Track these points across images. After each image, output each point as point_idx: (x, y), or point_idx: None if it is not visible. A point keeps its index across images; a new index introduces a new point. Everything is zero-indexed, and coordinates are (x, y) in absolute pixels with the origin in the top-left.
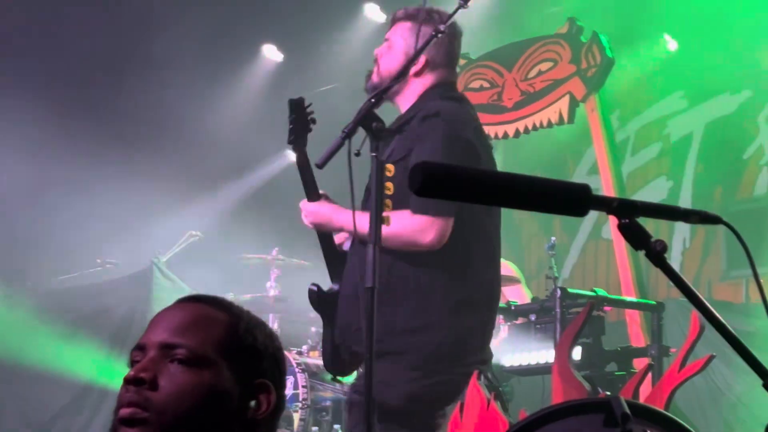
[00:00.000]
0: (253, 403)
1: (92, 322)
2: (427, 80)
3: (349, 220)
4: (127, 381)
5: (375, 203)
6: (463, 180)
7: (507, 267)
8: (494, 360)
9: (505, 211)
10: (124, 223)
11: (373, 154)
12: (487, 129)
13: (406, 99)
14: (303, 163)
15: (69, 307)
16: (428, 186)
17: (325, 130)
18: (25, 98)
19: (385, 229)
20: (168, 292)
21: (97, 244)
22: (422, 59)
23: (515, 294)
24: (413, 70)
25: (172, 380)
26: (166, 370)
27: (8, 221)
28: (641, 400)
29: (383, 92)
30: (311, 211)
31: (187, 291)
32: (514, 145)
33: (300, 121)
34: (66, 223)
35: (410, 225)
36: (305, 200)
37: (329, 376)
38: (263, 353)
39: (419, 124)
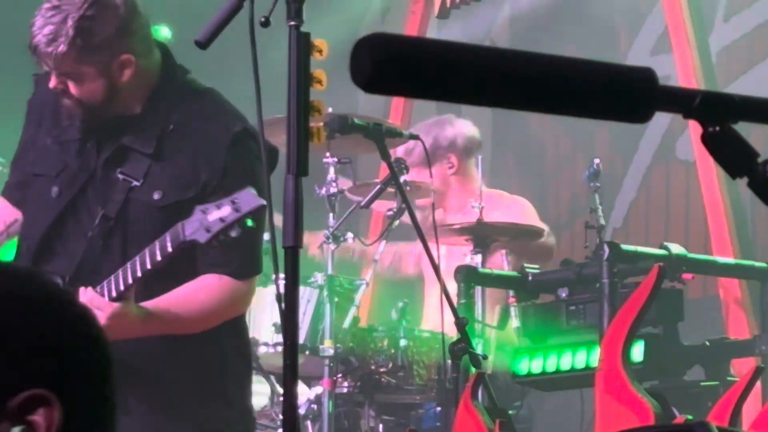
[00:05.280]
0: (16, 430)
1: None
2: None
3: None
4: None
5: (295, 102)
6: (440, 60)
7: (517, 203)
8: (500, 365)
9: (518, 121)
10: None
11: (292, 22)
12: None
13: None
14: None
15: None
16: (383, 73)
17: None
18: None
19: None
20: None
21: None
22: None
23: (531, 251)
24: None
25: None
26: None
27: None
28: (746, 427)
29: None
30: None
31: None
32: (530, 13)
33: None
34: None
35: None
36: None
37: None
38: (35, 344)
39: None
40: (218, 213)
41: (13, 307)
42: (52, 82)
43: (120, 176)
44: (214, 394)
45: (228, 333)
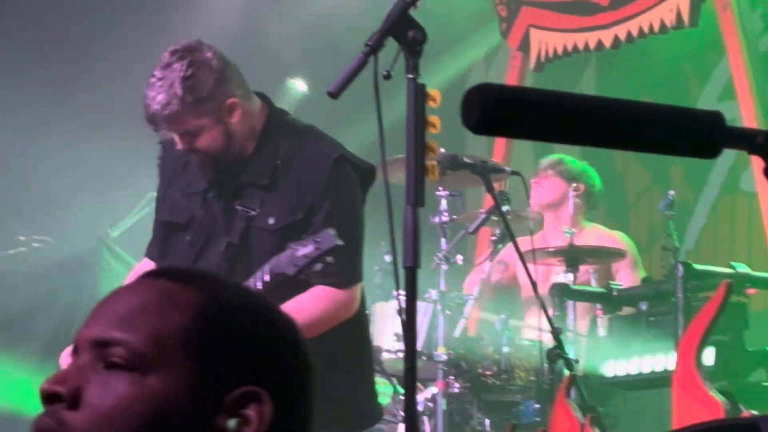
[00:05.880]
0: (232, 422)
1: (14, 327)
2: None
3: None
4: (42, 397)
5: (413, 143)
6: (539, 107)
7: (611, 237)
8: (589, 368)
9: (604, 157)
10: (57, 187)
11: (410, 75)
12: (574, 37)
13: None
14: None
15: None
16: (490, 117)
17: (340, 45)
18: None
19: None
20: (121, 278)
21: (17, 215)
22: None
23: (622, 273)
24: None
25: (102, 394)
26: (96, 380)
27: None
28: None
29: None
30: None
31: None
32: (611, 59)
33: None
34: None
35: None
36: None
37: None
38: (252, 347)
39: None
40: (304, 250)
41: (236, 315)
42: (179, 144)
43: (239, 207)
44: (336, 389)
45: (340, 335)
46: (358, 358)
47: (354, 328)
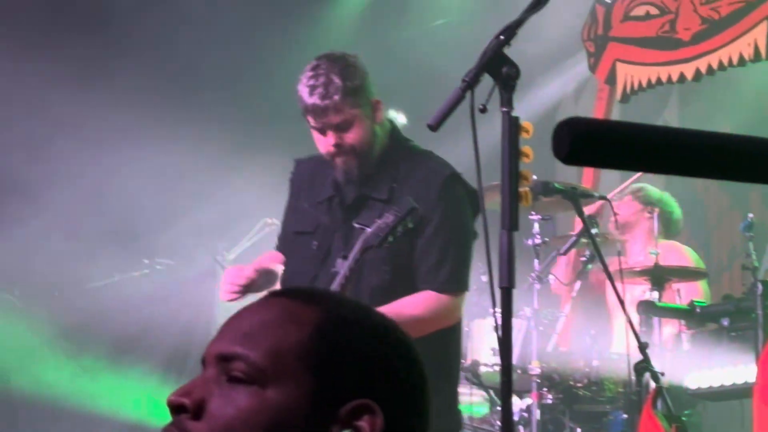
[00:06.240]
0: None
1: (140, 343)
2: None
3: None
4: (169, 408)
5: (507, 172)
6: (625, 139)
7: (683, 254)
8: (675, 381)
9: (685, 184)
10: (177, 211)
11: (504, 108)
12: (657, 70)
13: None
14: None
15: (107, 325)
16: (579, 150)
17: (438, 80)
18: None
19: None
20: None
21: (142, 238)
22: None
23: (694, 291)
24: None
25: (223, 405)
26: (219, 392)
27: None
28: None
29: (516, 26)
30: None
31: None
32: (692, 92)
33: None
34: (100, 212)
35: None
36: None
37: None
38: (366, 362)
39: None
40: (385, 221)
41: (351, 330)
42: (330, 139)
43: (356, 225)
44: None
45: (435, 342)
46: (448, 367)
47: (451, 336)
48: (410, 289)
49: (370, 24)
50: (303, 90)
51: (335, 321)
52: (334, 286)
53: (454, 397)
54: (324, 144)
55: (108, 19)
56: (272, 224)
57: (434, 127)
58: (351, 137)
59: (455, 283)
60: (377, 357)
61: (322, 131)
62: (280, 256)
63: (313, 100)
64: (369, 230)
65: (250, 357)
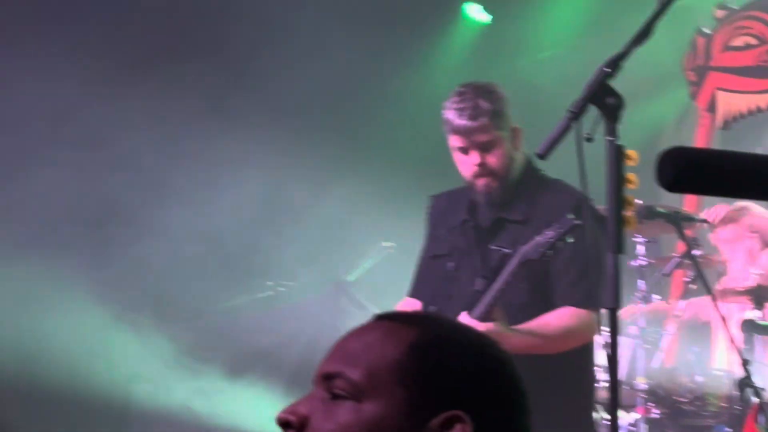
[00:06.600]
0: None
1: (264, 362)
2: None
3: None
4: (278, 424)
5: (613, 198)
6: (726, 168)
7: None
8: None
9: None
10: (292, 234)
11: (609, 137)
12: (756, 98)
13: None
14: None
15: (231, 345)
16: (682, 178)
17: (548, 111)
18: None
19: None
20: (357, 320)
21: (261, 261)
22: None
23: None
24: None
25: (324, 421)
26: (322, 408)
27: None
28: None
29: (620, 58)
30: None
31: None
32: None
33: None
34: (222, 236)
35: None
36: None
37: None
38: (459, 375)
39: None
40: (547, 235)
41: (445, 348)
42: (474, 159)
43: (494, 247)
44: (565, 403)
45: (573, 357)
46: (580, 381)
47: (584, 352)
48: (545, 306)
49: (479, 56)
50: (451, 113)
51: (429, 339)
52: (485, 301)
53: (586, 408)
54: (467, 164)
55: (223, 50)
56: (389, 247)
57: (543, 156)
58: (493, 159)
59: (592, 300)
60: (468, 371)
61: (466, 151)
62: (415, 304)
63: (462, 121)
64: (528, 246)
65: (349, 375)
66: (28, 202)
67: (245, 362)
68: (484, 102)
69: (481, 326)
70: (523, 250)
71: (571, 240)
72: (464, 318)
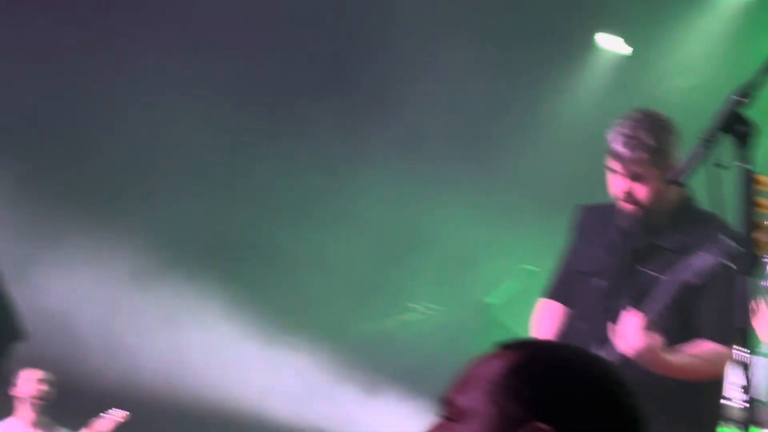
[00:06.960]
0: None
1: (404, 382)
2: None
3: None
4: None
5: (745, 222)
6: None
7: None
8: None
9: None
10: (444, 260)
11: (740, 164)
12: None
13: None
14: None
15: (371, 363)
16: None
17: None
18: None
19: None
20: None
21: (408, 286)
22: None
23: None
24: None
25: None
26: (438, 430)
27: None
28: None
29: (751, 87)
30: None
31: None
32: None
33: None
34: (366, 262)
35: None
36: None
37: None
38: (547, 392)
39: None
40: (705, 261)
41: (539, 367)
42: (622, 185)
43: (645, 270)
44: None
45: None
46: (709, 408)
47: (717, 384)
48: (677, 331)
49: (616, 84)
50: (616, 138)
51: (528, 363)
52: (649, 319)
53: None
54: (616, 187)
55: (360, 84)
56: (532, 271)
57: (675, 182)
58: (639, 191)
59: (728, 335)
60: (561, 390)
61: (618, 175)
62: (556, 306)
63: (621, 148)
64: (686, 272)
65: (454, 399)
66: (180, 225)
67: (385, 382)
68: (650, 137)
69: (647, 338)
70: (683, 275)
71: (734, 266)
72: (635, 318)
